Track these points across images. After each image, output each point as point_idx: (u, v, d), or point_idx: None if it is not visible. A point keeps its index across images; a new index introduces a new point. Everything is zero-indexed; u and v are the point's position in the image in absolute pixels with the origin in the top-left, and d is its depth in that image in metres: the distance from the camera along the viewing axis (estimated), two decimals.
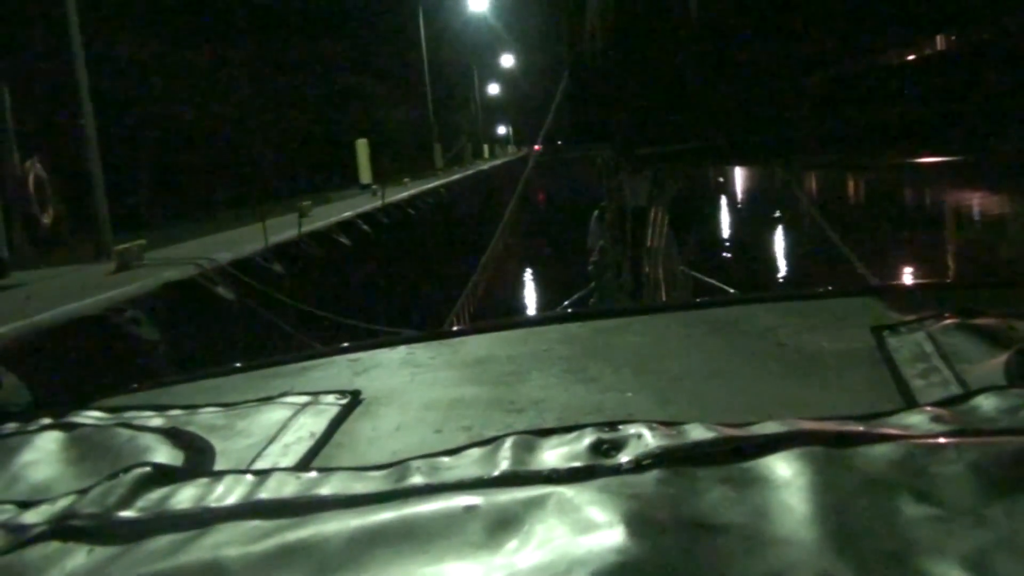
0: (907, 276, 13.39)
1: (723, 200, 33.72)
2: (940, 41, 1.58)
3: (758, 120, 2.29)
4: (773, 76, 2.05)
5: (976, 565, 0.58)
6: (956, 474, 0.66)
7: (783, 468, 0.69)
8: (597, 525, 0.65)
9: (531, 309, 17.67)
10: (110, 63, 17.22)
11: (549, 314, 2.42)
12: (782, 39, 1.90)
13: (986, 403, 0.79)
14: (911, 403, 0.99)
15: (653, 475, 0.70)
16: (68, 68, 10.94)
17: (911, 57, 1.67)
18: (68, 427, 1.12)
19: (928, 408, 0.80)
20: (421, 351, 1.55)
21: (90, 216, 11.11)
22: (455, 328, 1.63)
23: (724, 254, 19.89)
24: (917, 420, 0.78)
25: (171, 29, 21.85)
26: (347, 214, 14.61)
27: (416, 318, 14.37)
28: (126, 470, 0.83)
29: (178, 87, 21.44)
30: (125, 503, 0.77)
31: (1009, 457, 0.67)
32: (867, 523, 0.63)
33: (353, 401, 1.24)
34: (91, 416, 1.18)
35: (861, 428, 0.75)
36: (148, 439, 1.03)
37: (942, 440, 0.71)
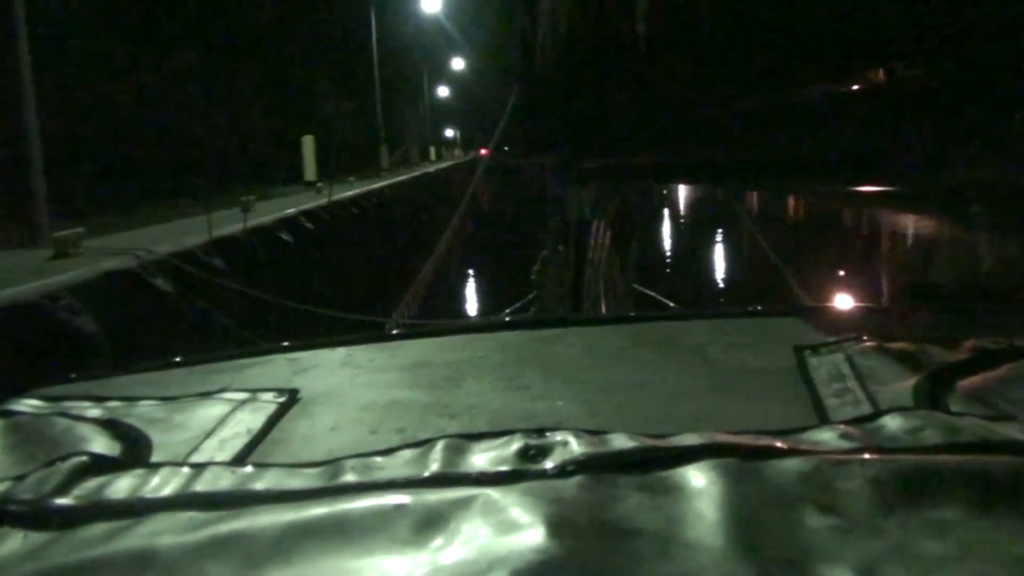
0: (833, 295, 13.67)
1: (666, 215, 34.06)
2: (879, 74, 1.61)
3: (699, 141, 2.32)
4: (715, 98, 2.09)
5: (868, 573, 0.62)
6: (857, 488, 0.69)
7: (697, 478, 0.72)
8: (520, 526, 0.67)
9: (472, 312, 17.69)
10: (55, 55, 16.92)
11: (487, 321, 2.44)
12: (725, 63, 1.93)
13: (892, 423, 0.83)
14: (824, 420, 1.04)
15: (575, 480, 0.73)
16: (10, 56, 10.72)
17: (855, 87, 1.71)
18: (5, 415, 1.12)
19: (838, 426, 0.84)
20: (360, 353, 1.57)
21: (25, 201, 10.88)
22: (394, 331, 1.65)
23: (664, 268, 20.14)
24: (827, 436, 0.81)
25: (117, 22, 21.55)
26: (290, 211, 14.51)
27: (356, 314, 14.34)
28: (63, 458, 0.83)
29: (120, 79, 21.12)
30: (61, 491, 0.78)
31: (906, 474, 0.70)
32: (771, 532, 0.66)
33: (291, 399, 1.25)
34: (28, 405, 1.19)
35: (773, 443, 0.78)
36: (85, 429, 1.04)
37: (847, 456, 0.74)
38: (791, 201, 30.11)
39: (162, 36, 22.96)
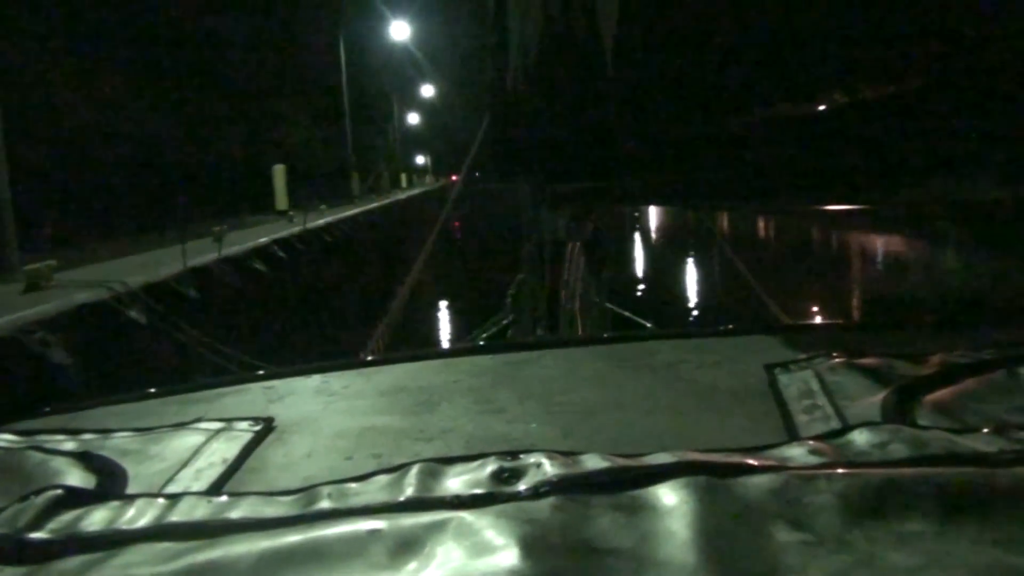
0: (804, 312, 13.76)
1: (638, 236, 34.24)
2: (842, 94, 1.64)
3: (671, 164, 2.31)
4: (686, 122, 2.10)
5: None
6: (825, 503, 0.71)
7: (669, 496, 0.73)
8: (494, 548, 0.68)
9: (447, 335, 17.70)
10: (24, 86, 16.83)
11: (461, 346, 2.44)
12: (696, 86, 1.95)
13: (860, 438, 0.84)
14: (794, 436, 1.05)
15: (549, 501, 0.74)
16: None
17: (821, 107, 1.73)
18: None
19: (808, 441, 0.86)
20: (335, 379, 1.57)
21: None
22: (369, 358, 1.65)
23: (637, 289, 20.22)
24: (796, 452, 0.82)
25: (87, 49, 21.44)
26: (263, 240, 14.45)
27: (332, 342, 14.27)
28: (38, 492, 0.83)
29: (92, 109, 21.00)
30: (36, 524, 0.78)
31: (874, 487, 0.72)
32: (742, 548, 0.67)
33: (266, 428, 1.26)
34: (2, 439, 1.18)
35: (744, 459, 0.79)
36: (60, 462, 1.03)
37: (815, 471, 0.76)
38: (761, 220, 30.36)
39: (127, 65, 22.84)
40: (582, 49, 2.30)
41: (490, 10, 3.32)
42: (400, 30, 41.98)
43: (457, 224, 34.03)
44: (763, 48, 1.63)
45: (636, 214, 37.72)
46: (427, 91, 67.13)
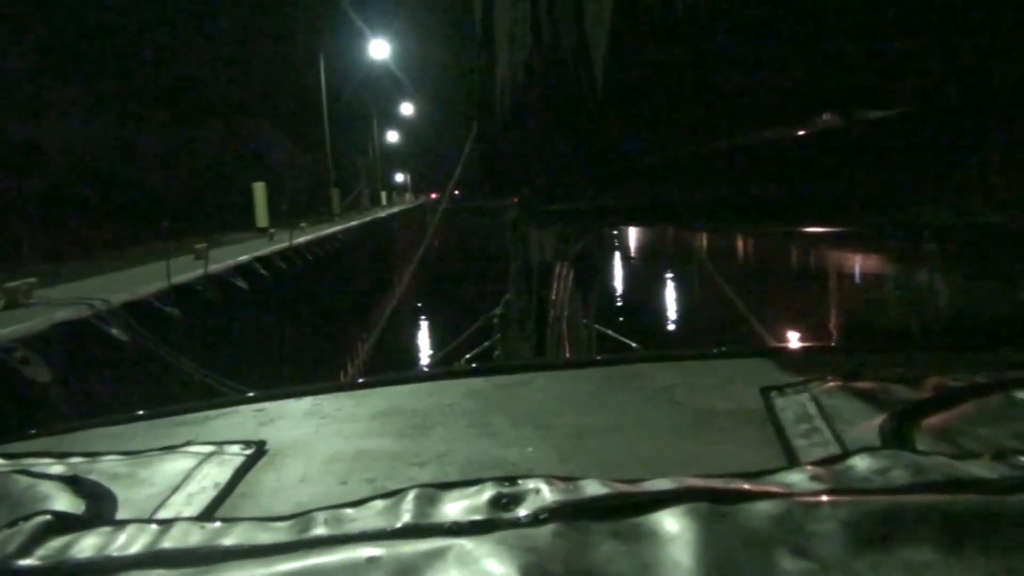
0: (792, 333, 13.79)
1: (618, 255, 34.35)
2: (830, 119, 1.63)
3: (659, 184, 2.34)
4: (674, 142, 2.11)
5: None
6: (829, 530, 0.71)
7: (671, 523, 0.73)
8: None
9: (432, 353, 17.73)
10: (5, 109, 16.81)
11: (454, 368, 2.43)
12: (684, 108, 1.95)
13: (861, 463, 0.83)
14: (793, 461, 1.04)
15: (549, 528, 0.73)
16: None
17: (801, 132, 1.73)
18: None
19: (808, 467, 0.85)
20: (327, 402, 1.56)
21: None
22: (360, 380, 1.65)
23: (618, 307, 20.29)
24: (797, 478, 0.82)
25: (63, 65, 21.42)
26: (243, 258, 14.39)
27: (318, 361, 14.20)
28: (26, 518, 0.82)
29: (69, 125, 20.95)
30: (25, 552, 0.77)
31: (878, 514, 0.72)
32: (746, 575, 0.67)
33: (258, 451, 1.24)
34: None
35: (745, 485, 0.79)
36: (48, 487, 1.01)
37: (818, 498, 0.75)
38: (739, 240, 30.53)
39: (108, 83, 22.83)
40: (571, 69, 2.31)
41: (478, 30, 3.34)
42: (380, 49, 42.06)
43: (437, 243, 34.04)
44: (756, 70, 1.64)
45: (615, 232, 37.83)
46: (407, 109, 67.31)
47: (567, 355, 3.52)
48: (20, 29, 19.97)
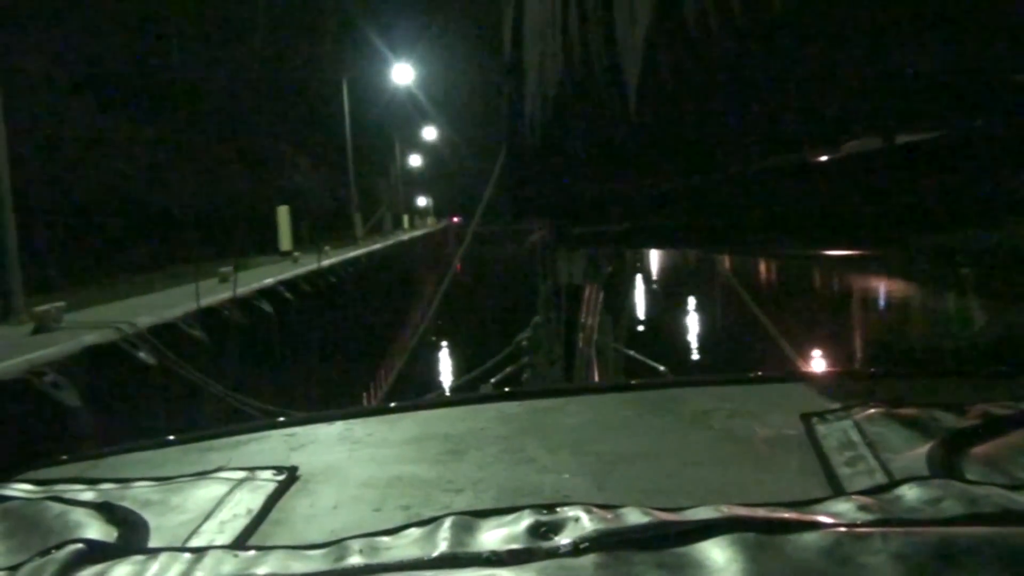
0: (828, 357, 13.66)
1: (640, 277, 34.27)
2: (858, 143, 1.63)
3: (691, 207, 2.33)
4: (710, 163, 2.10)
5: None
6: (880, 563, 0.69)
7: (716, 554, 0.71)
8: None
9: (458, 378, 17.75)
10: (31, 128, 17.00)
11: (486, 393, 2.42)
12: (717, 130, 1.95)
13: (910, 493, 0.82)
14: (838, 490, 1.02)
15: (590, 559, 0.72)
16: None
17: (825, 157, 1.73)
18: None
19: (855, 496, 0.83)
20: (358, 427, 1.55)
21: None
22: (392, 404, 1.65)
23: (640, 328, 20.22)
24: (844, 508, 0.80)
25: (88, 92, 21.70)
26: (268, 281, 14.46)
27: (347, 387, 14.20)
28: (58, 546, 0.82)
29: (96, 150, 21.19)
30: None
31: (930, 547, 0.70)
32: None
33: (290, 477, 1.23)
34: (20, 489, 1.16)
35: (791, 515, 0.77)
36: (80, 514, 1.00)
37: (868, 529, 0.74)
38: (777, 264, 30.36)
39: (134, 107, 23.12)
40: (603, 93, 2.31)
41: (507, 53, 3.35)
42: (403, 73, 42.26)
43: (460, 267, 34.00)
44: (792, 92, 1.63)
45: (639, 256, 37.76)
46: (429, 133, 67.45)
47: (596, 379, 3.48)
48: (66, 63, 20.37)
